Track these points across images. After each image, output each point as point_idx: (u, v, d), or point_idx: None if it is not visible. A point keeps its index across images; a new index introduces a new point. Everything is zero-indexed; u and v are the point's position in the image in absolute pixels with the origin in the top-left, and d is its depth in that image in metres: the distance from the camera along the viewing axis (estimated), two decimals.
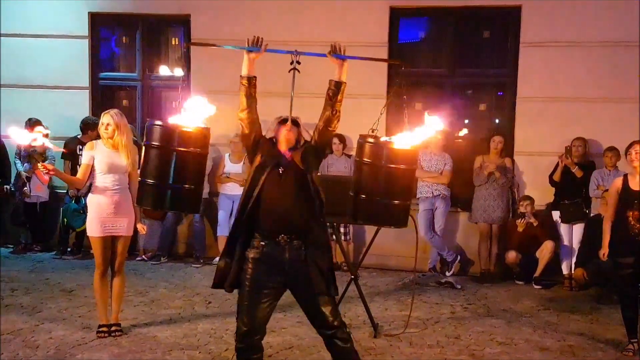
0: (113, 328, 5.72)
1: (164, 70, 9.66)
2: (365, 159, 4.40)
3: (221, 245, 8.83)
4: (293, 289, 4.10)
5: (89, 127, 8.77)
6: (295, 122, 4.16)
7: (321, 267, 4.04)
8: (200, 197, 4.39)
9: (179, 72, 9.57)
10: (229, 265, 4.08)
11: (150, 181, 4.18)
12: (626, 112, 8.23)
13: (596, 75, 8.35)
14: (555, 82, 8.47)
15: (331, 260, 4.17)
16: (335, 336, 4.06)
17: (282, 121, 4.16)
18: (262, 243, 4.00)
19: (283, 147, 4.12)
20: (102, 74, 9.69)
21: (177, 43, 9.74)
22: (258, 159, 4.09)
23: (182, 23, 9.40)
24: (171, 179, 4.13)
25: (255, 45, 4.14)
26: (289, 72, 4.15)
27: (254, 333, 4.01)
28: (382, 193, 4.35)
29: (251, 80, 4.13)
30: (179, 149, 4.10)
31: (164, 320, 6.26)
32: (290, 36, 8.16)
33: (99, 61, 9.72)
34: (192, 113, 4.21)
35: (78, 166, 8.65)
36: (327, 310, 4.03)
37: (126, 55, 9.92)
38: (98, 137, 5.89)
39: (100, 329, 5.70)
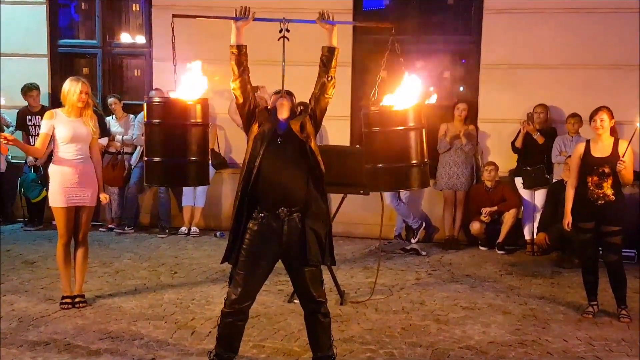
0: (77, 299, 5.66)
1: (125, 37, 9.47)
2: (374, 128, 4.30)
3: (186, 215, 8.79)
4: (286, 260, 4.12)
5: (24, 92, 8.69)
6: (288, 92, 4.15)
7: (319, 235, 4.07)
8: (208, 169, 4.40)
9: (140, 39, 9.39)
10: (235, 241, 4.06)
11: (156, 159, 4.17)
12: (588, 78, 8.31)
13: (558, 42, 8.39)
14: (518, 49, 8.50)
15: (330, 229, 4.19)
16: (318, 310, 4.16)
17: (277, 92, 4.18)
18: (261, 215, 4.00)
19: (280, 115, 4.10)
20: (61, 41, 9.47)
21: (138, 9, 9.50)
22: (256, 128, 4.07)
23: None
24: (177, 154, 4.13)
25: (243, 15, 4.11)
26: (278, 40, 4.11)
27: (245, 300, 4.05)
28: (399, 157, 4.28)
29: (241, 49, 4.11)
30: (180, 122, 4.09)
31: (129, 290, 6.22)
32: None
33: (57, 28, 9.48)
34: (188, 85, 4.18)
35: (30, 136, 8.53)
36: (314, 284, 4.10)
37: (86, 22, 9.67)
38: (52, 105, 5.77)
39: (64, 301, 5.64)
